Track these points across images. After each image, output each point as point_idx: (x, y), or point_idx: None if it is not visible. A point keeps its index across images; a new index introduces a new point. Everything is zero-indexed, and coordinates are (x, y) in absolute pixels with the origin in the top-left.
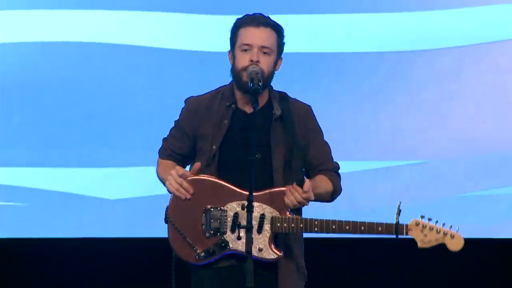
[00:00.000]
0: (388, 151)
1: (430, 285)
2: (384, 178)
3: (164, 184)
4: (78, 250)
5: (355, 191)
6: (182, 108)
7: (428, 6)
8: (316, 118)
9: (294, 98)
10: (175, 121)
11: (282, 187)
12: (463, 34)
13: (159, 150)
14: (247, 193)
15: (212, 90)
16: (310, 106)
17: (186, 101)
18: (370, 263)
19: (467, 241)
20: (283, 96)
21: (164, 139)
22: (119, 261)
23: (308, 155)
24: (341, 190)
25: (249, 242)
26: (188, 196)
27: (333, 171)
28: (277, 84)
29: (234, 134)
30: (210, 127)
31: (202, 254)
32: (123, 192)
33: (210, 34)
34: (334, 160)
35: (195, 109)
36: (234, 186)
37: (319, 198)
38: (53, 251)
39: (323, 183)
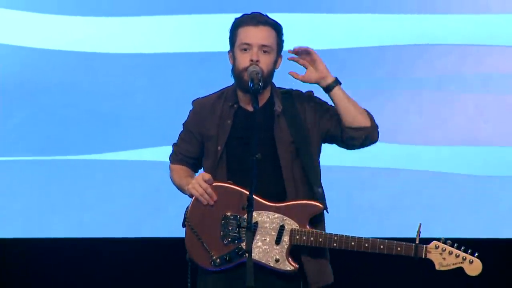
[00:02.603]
0: (388, 151)
1: (431, 285)
2: (384, 177)
3: (180, 190)
4: (78, 250)
5: (354, 190)
6: (190, 110)
7: (429, 9)
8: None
9: (298, 90)
10: (183, 124)
11: (303, 200)
12: (463, 36)
13: (170, 155)
14: (269, 203)
15: (217, 91)
16: (312, 91)
17: (193, 103)
18: (374, 263)
19: (468, 241)
20: (287, 91)
21: (174, 144)
22: (119, 261)
23: (330, 125)
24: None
25: (250, 242)
26: (211, 202)
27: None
28: (277, 83)
29: (238, 133)
30: (214, 128)
31: (218, 260)
32: (123, 191)
33: (210, 33)
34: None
35: (200, 111)
36: (258, 196)
37: (352, 107)
38: (53, 251)
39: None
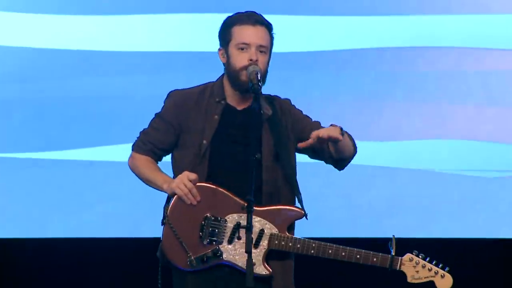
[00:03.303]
0: (388, 150)
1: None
2: (383, 177)
3: (148, 183)
4: (78, 250)
5: (354, 189)
6: (165, 100)
7: (428, 9)
8: (313, 116)
9: (277, 96)
10: (156, 114)
11: (284, 205)
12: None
13: (135, 143)
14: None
15: (199, 85)
16: (289, 99)
17: (171, 93)
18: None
19: (468, 241)
20: (268, 97)
21: (143, 132)
22: (119, 261)
23: (307, 134)
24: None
25: (249, 242)
26: (195, 202)
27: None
28: (278, 84)
29: (225, 130)
30: (200, 121)
31: (194, 261)
32: (123, 191)
33: (210, 33)
34: None
35: (183, 102)
36: (240, 199)
37: (346, 147)
38: (53, 251)
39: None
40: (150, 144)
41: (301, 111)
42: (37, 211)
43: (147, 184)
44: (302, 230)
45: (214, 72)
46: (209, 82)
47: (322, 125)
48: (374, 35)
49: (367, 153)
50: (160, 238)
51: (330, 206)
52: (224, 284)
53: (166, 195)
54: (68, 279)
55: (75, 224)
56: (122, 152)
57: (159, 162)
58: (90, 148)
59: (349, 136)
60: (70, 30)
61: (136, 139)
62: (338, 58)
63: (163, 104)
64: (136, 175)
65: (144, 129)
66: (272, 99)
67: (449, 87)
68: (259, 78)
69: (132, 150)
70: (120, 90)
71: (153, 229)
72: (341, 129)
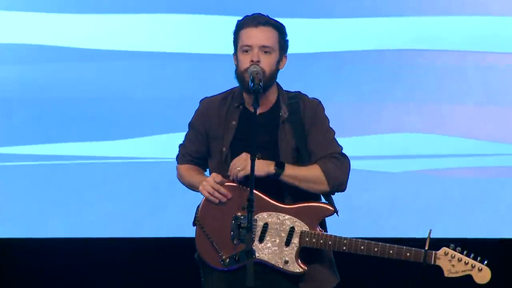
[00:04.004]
0: (388, 150)
1: (431, 285)
2: (383, 178)
3: (191, 188)
4: (78, 250)
5: (353, 190)
6: (196, 109)
7: (429, 11)
8: (324, 109)
9: (305, 95)
10: (189, 124)
11: (314, 202)
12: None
13: (177, 157)
14: (280, 205)
15: (226, 91)
16: (318, 100)
17: (201, 102)
18: (378, 265)
19: (469, 241)
20: (294, 96)
21: (181, 145)
22: (119, 261)
23: (309, 147)
24: (343, 174)
25: (249, 241)
26: (224, 200)
27: (330, 156)
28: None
29: (242, 134)
30: (220, 128)
31: (227, 260)
32: (123, 191)
33: (212, 35)
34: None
35: (208, 110)
36: (269, 197)
37: (303, 183)
38: (53, 251)
39: (305, 169)
40: (188, 156)
41: (321, 116)
42: (37, 211)
43: (191, 189)
44: None
45: (214, 74)
46: (234, 87)
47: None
48: (374, 36)
49: (367, 153)
50: (160, 238)
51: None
52: (263, 282)
53: (166, 196)
54: (68, 279)
55: (75, 224)
56: (122, 151)
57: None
58: (90, 148)
59: (329, 171)
60: (70, 29)
61: (177, 153)
62: (338, 59)
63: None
64: (185, 185)
65: (182, 142)
66: (297, 98)
67: (449, 86)
68: (259, 78)
69: (177, 163)
70: (120, 90)
71: (153, 229)
72: (278, 164)
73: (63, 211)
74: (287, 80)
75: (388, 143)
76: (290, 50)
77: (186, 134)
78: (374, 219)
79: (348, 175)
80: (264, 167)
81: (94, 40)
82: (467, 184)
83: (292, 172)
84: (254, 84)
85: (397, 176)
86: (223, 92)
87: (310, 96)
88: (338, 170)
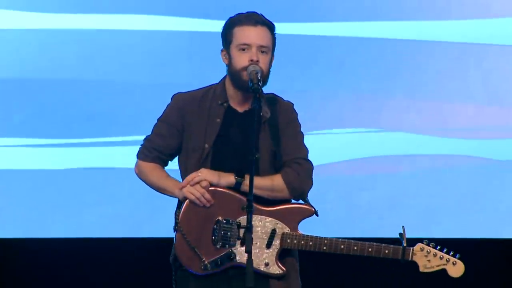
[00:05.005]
0: (387, 150)
1: (431, 285)
2: (383, 177)
3: (159, 191)
4: (78, 250)
5: (353, 189)
6: (168, 104)
7: (429, 16)
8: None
9: (280, 97)
10: (158, 119)
11: (294, 204)
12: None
13: (140, 151)
14: (262, 208)
15: (203, 87)
16: (292, 103)
17: (174, 97)
18: (370, 267)
19: (469, 241)
20: (271, 98)
21: (147, 139)
22: (119, 261)
23: (279, 151)
24: (304, 182)
25: (249, 242)
26: (208, 205)
27: (293, 162)
28: (279, 83)
29: (227, 133)
30: (203, 124)
31: (209, 265)
32: (123, 191)
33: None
34: (305, 148)
35: (187, 106)
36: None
37: (265, 192)
38: (53, 251)
39: (266, 179)
40: (155, 151)
41: (292, 120)
42: (37, 211)
43: (159, 191)
44: (302, 230)
45: (211, 72)
46: (212, 84)
47: (320, 123)
48: (374, 37)
49: (367, 153)
50: (160, 238)
51: (330, 206)
52: (237, 283)
53: (166, 196)
54: (68, 279)
55: (75, 224)
56: (122, 151)
57: (165, 167)
58: (90, 147)
59: (290, 180)
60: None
61: (140, 146)
62: (338, 56)
63: (165, 108)
64: (145, 183)
65: (147, 136)
66: (274, 100)
67: (449, 85)
68: (259, 77)
69: (138, 158)
70: (120, 90)
71: (153, 229)
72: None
73: (63, 211)
74: (287, 79)
75: (388, 142)
76: (291, 50)
77: (154, 129)
78: (374, 219)
79: (310, 181)
80: (226, 178)
81: (94, 40)
82: (467, 184)
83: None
84: (254, 84)
85: (397, 176)
86: (200, 89)
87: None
88: (299, 178)
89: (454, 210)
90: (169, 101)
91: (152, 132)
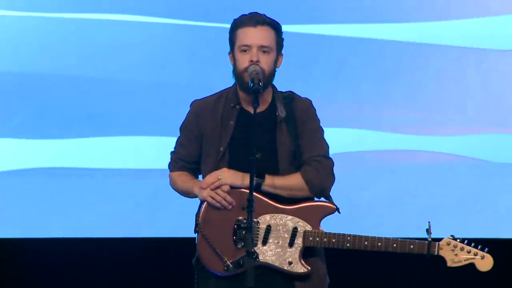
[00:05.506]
0: (387, 150)
1: (431, 285)
2: (383, 176)
3: (185, 194)
4: (78, 250)
5: (354, 189)
6: (188, 113)
7: (429, 17)
8: (315, 110)
9: (298, 95)
10: (180, 128)
11: (315, 201)
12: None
13: (169, 164)
14: (283, 206)
15: (217, 92)
16: (310, 100)
17: (192, 104)
18: (380, 263)
19: (469, 241)
20: (288, 96)
21: (172, 152)
22: (119, 261)
23: (300, 149)
24: (324, 180)
25: (250, 242)
26: (229, 207)
27: (312, 160)
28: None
29: (240, 134)
30: (217, 129)
31: (231, 266)
32: (123, 191)
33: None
34: (326, 144)
35: (201, 111)
36: (270, 199)
37: (285, 192)
38: (53, 251)
39: (286, 178)
40: (180, 161)
41: (316, 122)
42: (37, 211)
43: (186, 196)
44: None
45: (215, 74)
46: (225, 89)
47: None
48: (374, 39)
49: (367, 153)
50: (160, 238)
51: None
52: (261, 283)
53: (166, 197)
54: (68, 279)
55: (75, 224)
56: (122, 151)
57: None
58: (90, 147)
59: (310, 178)
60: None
61: (169, 160)
62: (338, 57)
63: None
64: (177, 192)
65: (173, 149)
66: (291, 98)
67: (449, 85)
68: (259, 78)
69: (169, 170)
70: (121, 89)
71: (153, 229)
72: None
73: (63, 211)
74: (287, 80)
75: (387, 142)
76: (290, 49)
77: (177, 140)
78: (374, 218)
79: (331, 178)
80: (243, 179)
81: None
82: (467, 184)
83: (271, 182)
84: (254, 84)
85: (397, 176)
86: (215, 94)
87: (302, 96)
88: (319, 176)
89: (454, 210)
90: (169, 101)
91: (175, 143)
